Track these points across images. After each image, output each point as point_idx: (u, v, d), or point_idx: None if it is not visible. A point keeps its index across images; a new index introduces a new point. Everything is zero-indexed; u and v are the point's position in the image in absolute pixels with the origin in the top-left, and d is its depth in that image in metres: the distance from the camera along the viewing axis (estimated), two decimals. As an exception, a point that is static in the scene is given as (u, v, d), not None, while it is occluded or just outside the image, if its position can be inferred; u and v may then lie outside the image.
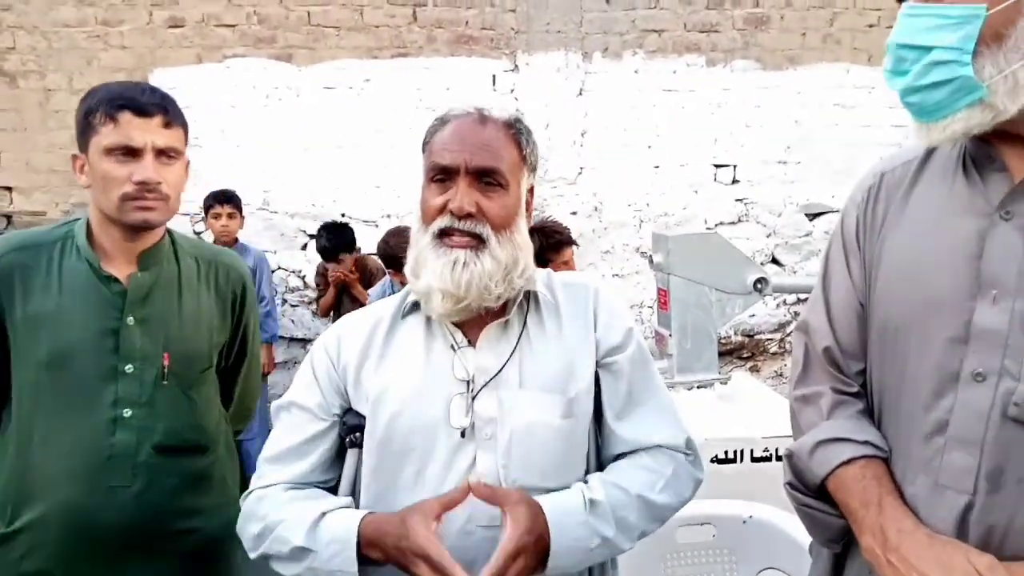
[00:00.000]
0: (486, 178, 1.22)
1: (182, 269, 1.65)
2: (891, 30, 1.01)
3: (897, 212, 1.13)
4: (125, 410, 1.52)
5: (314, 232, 4.67)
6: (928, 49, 0.94)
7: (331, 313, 4.30)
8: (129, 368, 1.53)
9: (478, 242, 1.21)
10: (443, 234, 1.22)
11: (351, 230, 4.20)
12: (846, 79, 4.82)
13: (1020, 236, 0.97)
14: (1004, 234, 0.99)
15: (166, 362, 1.57)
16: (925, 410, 1.04)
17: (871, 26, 4.77)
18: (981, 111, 0.95)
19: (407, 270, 1.28)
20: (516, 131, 1.28)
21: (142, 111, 1.49)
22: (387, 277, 3.94)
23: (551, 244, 2.85)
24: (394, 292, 3.74)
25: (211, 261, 1.73)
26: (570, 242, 2.96)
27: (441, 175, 1.23)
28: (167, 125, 1.52)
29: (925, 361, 1.04)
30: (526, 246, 1.27)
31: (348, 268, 4.19)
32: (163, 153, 1.52)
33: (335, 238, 4.15)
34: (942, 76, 0.94)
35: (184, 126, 1.59)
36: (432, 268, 1.21)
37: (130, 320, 1.54)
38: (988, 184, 1.02)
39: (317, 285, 4.50)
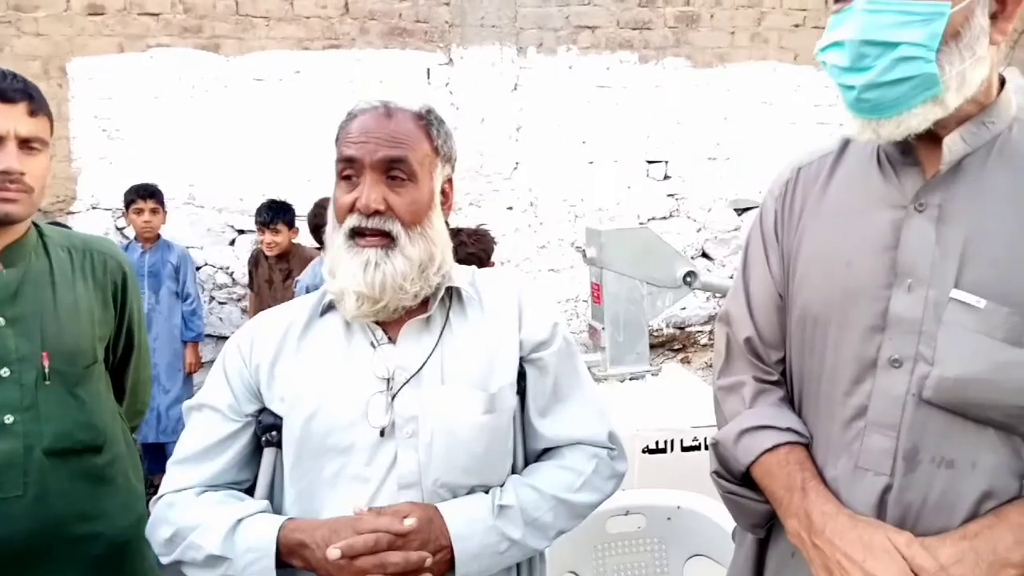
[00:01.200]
0: (393, 171, 1.19)
1: (53, 262, 1.57)
2: (818, 31, 1.01)
3: (814, 205, 1.16)
4: (6, 416, 1.43)
5: (242, 227, 4.56)
6: (894, 45, 0.94)
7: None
8: (5, 372, 1.45)
9: (389, 240, 1.19)
10: (355, 233, 1.20)
11: (293, 209, 4.10)
12: (773, 77, 4.96)
13: (933, 227, 1.01)
14: (918, 225, 1.02)
15: (46, 361, 1.49)
16: (845, 396, 1.07)
17: (797, 26, 4.91)
18: (934, 107, 0.97)
19: (324, 270, 1.26)
20: (426, 122, 1.25)
21: (5, 97, 1.40)
22: (319, 257, 3.86)
23: (467, 256, 2.77)
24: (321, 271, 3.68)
25: (84, 251, 1.64)
26: (488, 261, 2.90)
27: (348, 170, 1.20)
28: (32, 113, 1.44)
29: (844, 349, 1.08)
30: (441, 240, 1.24)
31: (284, 243, 4.07)
32: (27, 143, 1.43)
33: (275, 206, 4.05)
34: (907, 72, 0.95)
35: (49, 116, 1.51)
36: (346, 269, 1.19)
37: (0, 321, 1.46)
38: (902, 178, 1.06)
39: (250, 275, 4.34)
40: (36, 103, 1.45)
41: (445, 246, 1.26)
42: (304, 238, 4.06)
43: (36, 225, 1.58)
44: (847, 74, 0.99)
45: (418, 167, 1.20)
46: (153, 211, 3.96)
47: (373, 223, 1.18)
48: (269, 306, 4.71)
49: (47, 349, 1.50)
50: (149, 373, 1.88)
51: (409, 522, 1.11)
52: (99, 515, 1.55)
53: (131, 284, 1.73)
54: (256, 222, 4.08)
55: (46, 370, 1.49)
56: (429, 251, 1.21)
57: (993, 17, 0.96)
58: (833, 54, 1.00)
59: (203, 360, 4.37)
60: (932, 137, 1.01)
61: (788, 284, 1.19)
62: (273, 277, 4.18)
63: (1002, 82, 1.02)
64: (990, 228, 0.98)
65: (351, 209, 1.19)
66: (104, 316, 1.65)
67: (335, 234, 1.23)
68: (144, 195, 3.94)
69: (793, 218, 1.19)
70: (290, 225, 4.12)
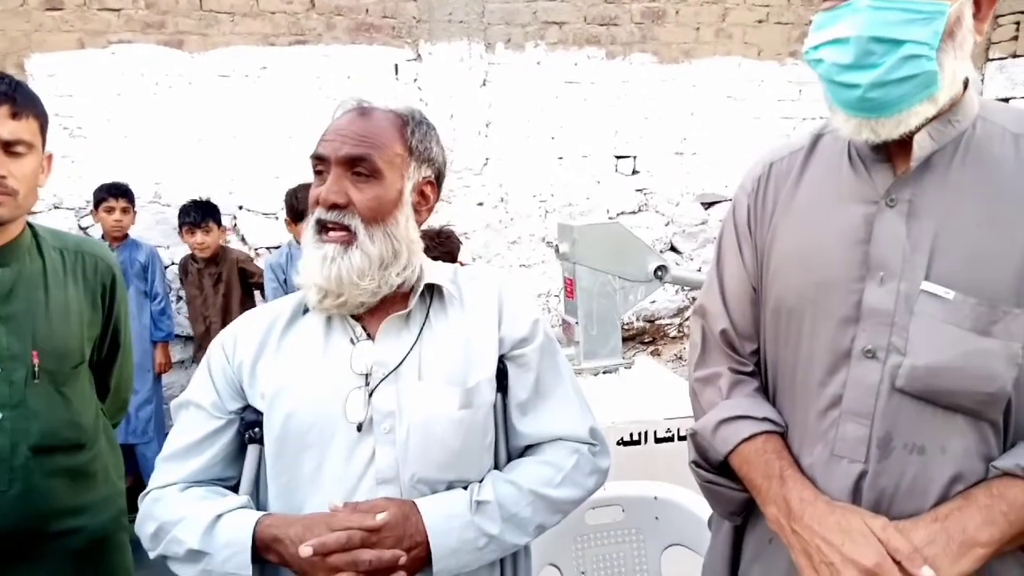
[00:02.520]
0: (357, 168, 1.20)
1: (47, 263, 1.58)
2: (781, 26, 1.03)
3: (787, 200, 1.19)
4: None
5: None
6: (900, 43, 0.94)
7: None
8: None
9: (350, 236, 1.20)
10: (320, 227, 1.22)
11: (218, 208, 4.05)
12: (738, 72, 5.01)
13: (904, 221, 1.04)
14: (890, 220, 1.05)
15: (36, 360, 1.51)
16: (820, 386, 1.10)
17: (760, 22, 4.97)
18: (929, 105, 0.99)
19: (300, 264, 1.27)
20: (403, 122, 1.26)
21: None
22: (288, 240, 3.83)
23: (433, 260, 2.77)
24: (292, 253, 3.68)
25: (77, 252, 1.66)
26: (454, 261, 2.91)
27: (320, 166, 1.23)
28: (15, 115, 1.43)
29: (819, 340, 1.10)
30: (407, 239, 1.25)
31: (214, 244, 4.00)
32: (9, 145, 1.43)
33: (202, 205, 3.98)
34: (912, 70, 0.95)
35: (39, 117, 1.49)
36: (310, 262, 1.21)
37: None
38: (873, 174, 1.08)
39: (182, 282, 4.23)
40: (20, 104, 1.44)
41: (413, 245, 1.27)
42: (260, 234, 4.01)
43: (31, 226, 1.59)
44: (849, 72, 0.98)
45: (384, 165, 1.21)
46: (124, 210, 3.90)
47: (333, 216, 1.20)
48: (205, 317, 4.65)
49: (37, 348, 1.52)
50: (131, 371, 1.90)
51: (381, 517, 1.12)
52: (81, 510, 1.58)
53: (119, 286, 1.75)
54: (184, 224, 3.98)
55: (36, 369, 1.51)
56: (392, 248, 1.22)
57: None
58: (831, 51, 1.00)
59: (172, 360, 4.32)
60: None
61: (762, 277, 1.22)
62: (204, 284, 4.07)
63: (966, 81, 1.05)
64: (957, 223, 1.01)
65: (317, 202, 1.22)
66: (93, 317, 1.67)
67: (307, 228, 1.25)
68: (116, 193, 3.88)
69: (766, 212, 1.22)
70: (219, 224, 4.05)
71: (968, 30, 0.99)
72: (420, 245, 1.30)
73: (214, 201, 4.14)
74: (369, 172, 1.20)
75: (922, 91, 0.98)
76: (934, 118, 1.02)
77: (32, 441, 1.50)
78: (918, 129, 1.02)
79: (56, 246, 1.63)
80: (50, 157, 1.55)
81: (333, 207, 1.19)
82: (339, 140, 1.20)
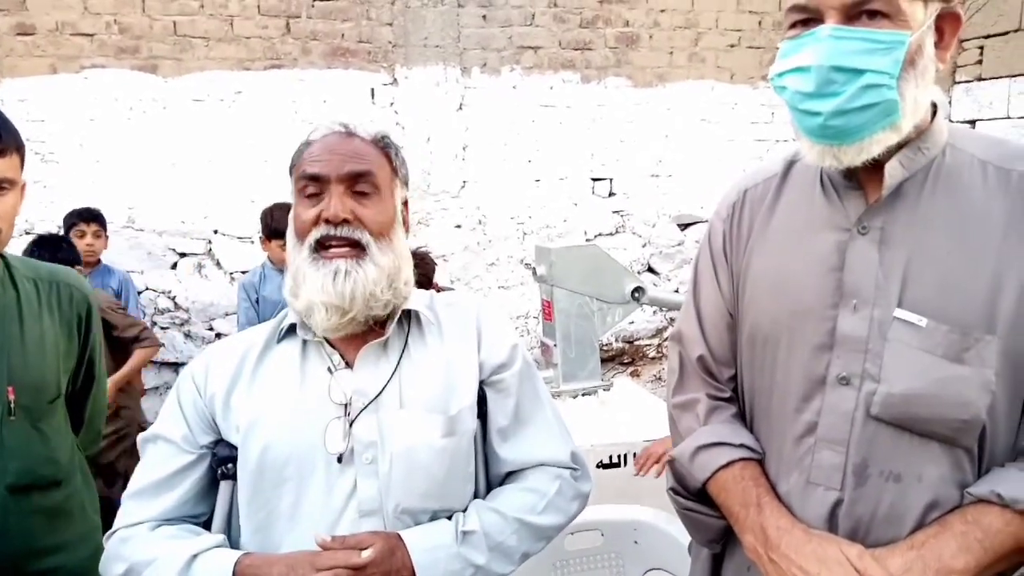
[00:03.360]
0: (359, 184, 1.20)
1: (21, 294, 1.53)
2: (752, 51, 1.04)
3: (762, 226, 1.20)
4: None
5: (184, 250, 4.46)
6: (860, 72, 0.96)
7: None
8: None
9: (358, 249, 1.19)
10: (320, 246, 1.19)
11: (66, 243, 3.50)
12: (711, 96, 5.08)
13: (876, 249, 1.05)
14: (862, 248, 1.06)
15: (11, 395, 1.45)
16: (795, 412, 1.10)
17: (732, 46, 5.06)
18: (891, 133, 0.99)
19: (285, 291, 1.24)
20: (384, 145, 1.28)
21: None
22: (262, 261, 3.71)
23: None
24: (265, 273, 3.59)
25: (51, 282, 1.61)
26: (430, 284, 2.89)
27: (313, 188, 1.20)
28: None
29: (794, 367, 1.11)
30: (404, 256, 1.26)
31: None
32: None
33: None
34: (872, 99, 0.97)
35: (19, 150, 1.45)
36: (312, 282, 1.17)
37: None
38: (845, 201, 1.09)
39: None
40: (3, 142, 1.40)
41: (408, 262, 1.27)
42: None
43: (2, 256, 1.54)
44: (811, 100, 0.99)
45: (382, 182, 1.23)
46: (96, 235, 3.83)
47: (342, 232, 1.18)
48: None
49: (13, 383, 1.46)
50: (106, 402, 1.86)
51: (366, 554, 1.09)
52: (58, 549, 1.53)
53: (95, 316, 1.70)
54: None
55: (11, 405, 1.45)
56: (396, 263, 1.22)
57: (934, 46, 1.01)
58: (795, 79, 1.00)
59: (146, 387, 4.26)
60: (874, 163, 1.05)
61: (738, 303, 1.22)
62: None
63: (934, 108, 1.07)
64: (929, 250, 1.02)
65: (316, 222, 1.19)
66: (68, 349, 1.62)
67: (297, 252, 1.22)
68: (87, 218, 3.81)
69: (741, 239, 1.22)
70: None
71: (929, 59, 1.00)
72: (411, 262, 1.30)
73: (189, 225, 4.09)
74: (372, 188, 1.21)
75: (883, 119, 0.99)
76: (903, 145, 1.04)
77: (9, 480, 1.45)
78: (886, 157, 1.03)
79: (29, 276, 1.58)
80: (23, 186, 1.51)
81: (343, 223, 1.18)
82: (337, 158, 1.20)
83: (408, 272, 1.26)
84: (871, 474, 1.03)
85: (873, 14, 0.96)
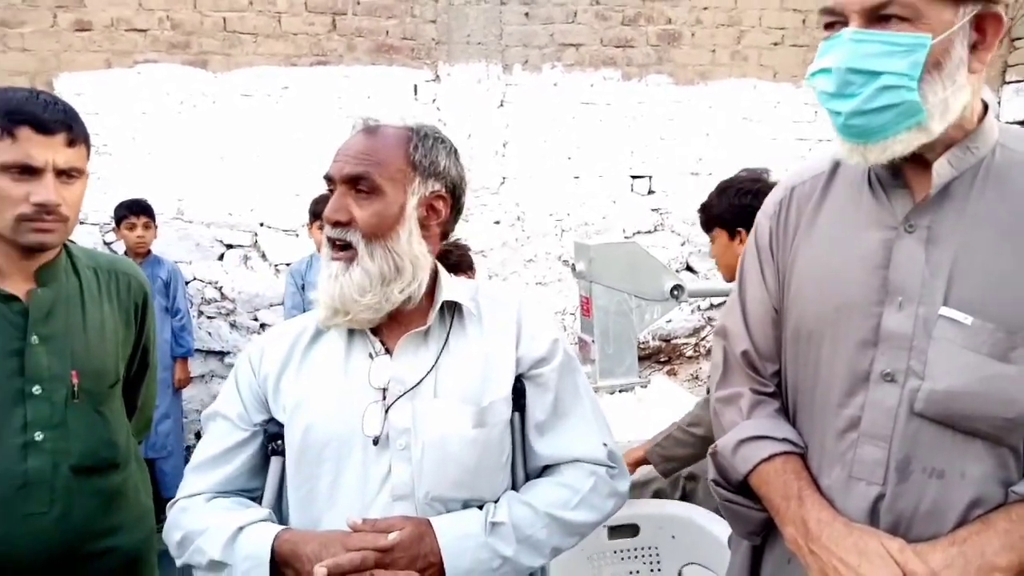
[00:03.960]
0: (358, 186, 1.23)
1: (83, 282, 1.59)
2: (796, 49, 1.06)
3: (808, 223, 1.21)
4: (36, 433, 1.45)
5: (231, 242, 4.56)
6: (878, 74, 0.98)
7: None
8: (37, 389, 1.46)
9: (352, 253, 1.23)
10: (331, 245, 1.26)
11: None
12: (753, 94, 5.04)
13: (922, 247, 1.05)
14: (908, 246, 1.06)
15: (75, 380, 1.50)
16: (838, 408, 1.11)
17: (776, 44, 5.01)
18: (918, 133, 1.01)
19: (317, 279, 1.30)
20: (407, 137, 1.27)
21: (44, 128, 1.40)
22: (311, 252, 3.86)
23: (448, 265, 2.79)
24: (312, 261, 3.73)
25: (110, 271, 1.66)
26: (469, 267, 2.91)
27: (331, 186, 1.27)
28: (70, 143, 1.44)
29: (837, 362, 1.12)
30: (410, 254, 1.25)
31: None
32: (64, 173, 1.43)
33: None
34: (890, 100, 0.98)
35: (87, 142, 1.51)
36: (321, 280, 1.26)
37: (34, 339, 1.47)
38: (892, 200, 1.10)
39: None
40: (74, 132, 1.45)
41: (418, 260, 1.26)
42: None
43: (65, 245, 1.59)
44: (834, 100, 1.03)
45: (385, 182, 1.23)
46: (146, 226, 3.96)
47: (336, 233, 1.24)
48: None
49: (76, 368, 1.51)
50: (156, 389, 1.91)
51: (392, 537, 1.13)
52: (115, 530, 1.58)
53: (150, 305, 1.76)
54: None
55: (75, 389, 1.50)
56: (394, 264, 1.23)
57: (974, 47, 1.01)
58: (821, 80, 1.04)
59: (192, 376, 4.37)
60: (920, 161, 1.06)
61: (783, 299, 1.23)
62: None
63: (985, 107, 1.07)
64: (976, 249, 1.02)
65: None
66: (126, 336, 1.67)
67: (323, 245, 1.30)
68: (136, 211, 3.94)
69: (787, 235, 1.23)
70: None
71: (961, 61, 1.00)
72: (427, 260, 1.29)
73: (236, 217, 4.19)
74: (369, 189, 1.22)
75: (906, 120, 1.00)
76: (951, 144, 1.04)
77: (73, 462, 1.49)
78: (935, 156, 1.04)
79: (90, 265, 1.63)
80: (87, 176, 1.58)
81: (336, 224, 1.23)
82: (343, 160, 1.24)
83: (416, 271, 1.26)
84: (914, 470, 1.04)
85: (894, 18, 0.97)
